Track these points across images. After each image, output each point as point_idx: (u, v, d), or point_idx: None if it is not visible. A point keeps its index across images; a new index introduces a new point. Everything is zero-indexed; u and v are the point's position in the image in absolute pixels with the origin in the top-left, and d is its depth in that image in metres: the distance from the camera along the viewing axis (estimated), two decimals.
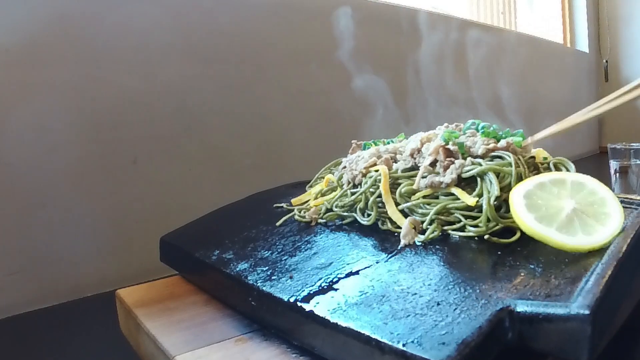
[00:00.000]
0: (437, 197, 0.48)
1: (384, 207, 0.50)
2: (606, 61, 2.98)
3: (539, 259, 0.38)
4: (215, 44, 1.11)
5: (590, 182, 0.43)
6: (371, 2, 1.51)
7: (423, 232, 0.46)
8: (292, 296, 0.39)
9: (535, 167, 0.49)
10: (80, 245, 0.90)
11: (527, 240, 0.42)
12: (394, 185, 0.52)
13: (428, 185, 0.48)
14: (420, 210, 0.48)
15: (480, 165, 0.47)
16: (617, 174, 0.86)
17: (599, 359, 0.30)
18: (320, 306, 0.37)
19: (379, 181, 0.52)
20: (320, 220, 0.56)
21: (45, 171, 0.86)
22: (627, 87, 0.44)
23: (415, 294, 0.35)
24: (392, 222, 0.49)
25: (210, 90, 1.10)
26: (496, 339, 0.30)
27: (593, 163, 2.55)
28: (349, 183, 0.56)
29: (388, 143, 0.64)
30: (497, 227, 0.43)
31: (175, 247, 0.61)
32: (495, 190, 0.44)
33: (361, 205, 0.53)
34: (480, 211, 0.44)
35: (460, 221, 0.45)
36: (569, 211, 0.40)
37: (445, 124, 0.61)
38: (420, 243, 0.45)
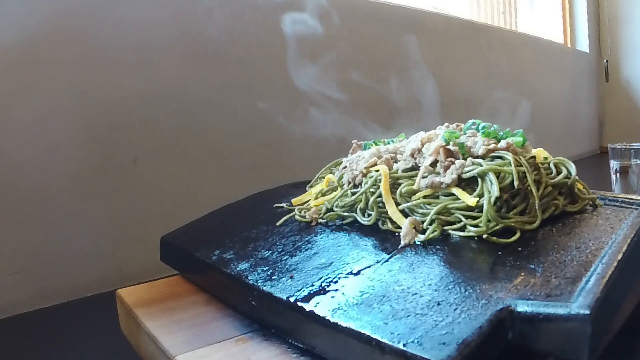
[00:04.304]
0: (437, 197, 0.48)
1: (385, 207, 0.50)
2: (606, 61, 2.98)
3: (540, 259, 0.38)
4: (215, 44, 1.11)
5: None
6: (372, 2, 1.51)
7: (423, 232, 0.46)
8: (292, 296, 0.39)
9: (535, 168, 0.49)
10: (81, 245, 0.90)
11: (528, 240, 0.42)
12: (394, 185, 0.52)
13: (428, 185, 0.48)
14: (420, 210, 0.48)
15: (481, 165, 0.47)
16: (618, 174, 0.86)
17: (600, 359, 0.30)
18: (321, 306, 0.37)
19: (380, 181, 0.52)
20: (320, 220, 0.56)
21: (45, 171, 0.86)
22: None
23: (416, 294, 0.36)
24: (393, 222, 0.49)
25: (210, 90, 1.10)
26: (497, 339, 0.30)
27: (593, 163, 2.55)
28: (349, 183, 0.56)
29: (388, 143, 0.64)
30: (497, 227, 0.43)
31: (176, 247, 0.61)
32: (496, 191, 0.44)
33: (361, 205, 0.53)
34: (481, 211, 0.44)
35: (460, 221, 0.45)
36: None
37: (446, 124, 0.61)
38: (420, 243, 0.45)
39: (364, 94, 1.23)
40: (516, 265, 0.38)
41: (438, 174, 0.49)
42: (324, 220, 0.55)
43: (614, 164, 0.87)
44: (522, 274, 0.36)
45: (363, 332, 0.32)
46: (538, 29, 2.60)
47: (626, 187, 0.85)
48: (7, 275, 0.82)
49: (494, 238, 0.42)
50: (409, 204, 0.49)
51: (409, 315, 0.33)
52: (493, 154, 0.49)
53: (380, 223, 0.51)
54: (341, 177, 0.58)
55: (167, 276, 0.60)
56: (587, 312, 0.29)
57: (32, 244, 0.85)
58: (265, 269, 0.46)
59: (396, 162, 0.55)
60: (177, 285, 0.57)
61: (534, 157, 0.50)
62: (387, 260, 0.42)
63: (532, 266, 0.37)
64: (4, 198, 0.82)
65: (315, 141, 1.29)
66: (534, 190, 0.45)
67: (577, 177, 0.51)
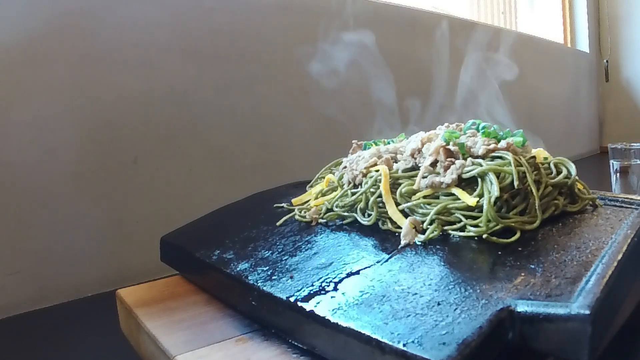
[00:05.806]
0: (437, 197, 0.48)
1: (385, 207, 0.50)
2: (606, 61, 2.98)
3: (540, 259, 0.38)
4: (215, 44, 1.11)
5: None
6: (372, 2, 1.51)
7: (423, 232, 0.46)
8: (292, 296, 0.39)
9: (535, 168, 0.49)
10: (81, 245, 0.90)
11: (528, 240, 0.42)
12: (394, 185, 0.52)
13: (428, 185, 0.48)
14: (420, 210, 0.48)
15: (481, 165, 0.47)
16: (618, 174, 0.86)
17: (600, 359, 0.30)
18: (321, 306, 0.37)
19: (380, 181, 0.52)
20: (320, 220, 0.56)
21: (45, 171, 0.86)
22: None
23: (416, 294, 0.36)
24: (393, 222, 0.49)
25: (211, 90, 1.10)
26: (497, 339, 0.30)
27: (593, 163, 2.55)
28: (349, 183, 0.56)
29: (388, 143, 0.64)
30: (497, 227, 0.43)
31: (176, 247, 0.61)
32: (496, 191, 0.44)
33: (362, 205, 0.53)
34: (481, 211, 0.44)
35: (460, 221, 0.45)
36: None
37: (446, 124, 0.61)
38: (420, 243, 0.45)
39: (364, 95, 1.23)
40: (516, 265, 0.38)
41: (438, 174, 0.49)
42: (324, 220, 0.55)
43: (614, 164, 0.87)
44: (522, 274, 0.36)
45: (363, 332, 0.32)
46: (538, 29, 2.60)
47: (626, 187, 0.85)
48: (7, 275, 0.82)
49: (494, 238, 0.42)
50: (409, 204, 0.49)
51: (409, 315, 0.33)
52: (493, 154, 0.49)
53: (380, 223, 0.51)
54: (341, 177, 0.58)
55: (167, 276, 0.60)
56: (587, 312, 0.29)
57: (32, 244, 0.85)
58: (265, 269, 0.46)
59: (396, 162, 0.55)
60: (177, 285, 0.57)
61: (534, 157, 0.50)
62: (387, 260, 0.42)
63: (532, 266, 0.37)
64: (4, 198, 0.82)
65: (315, 141, 1.29)
66: (534, 190, 0.45)
67: (577, 177, 0.51)
